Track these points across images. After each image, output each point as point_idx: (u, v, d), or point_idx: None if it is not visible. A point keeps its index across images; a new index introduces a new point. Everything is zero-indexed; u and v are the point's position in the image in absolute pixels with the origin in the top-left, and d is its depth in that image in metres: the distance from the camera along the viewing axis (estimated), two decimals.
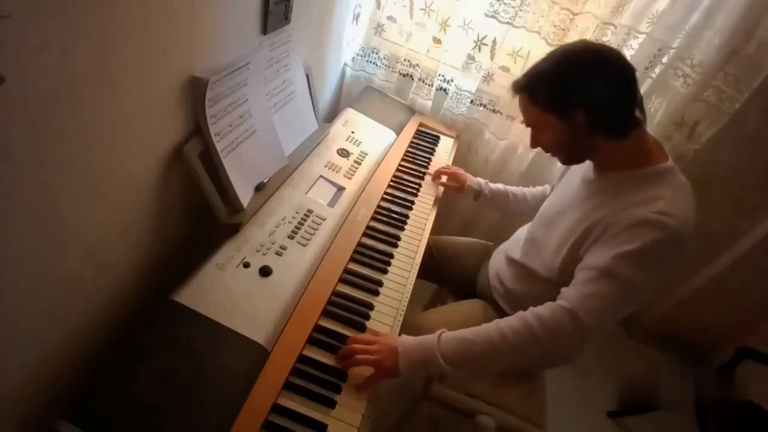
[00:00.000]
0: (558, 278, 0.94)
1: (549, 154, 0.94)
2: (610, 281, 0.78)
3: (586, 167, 0.97)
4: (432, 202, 1.30)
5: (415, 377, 0.82)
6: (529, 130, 0.94)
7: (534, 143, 0.94)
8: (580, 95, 0.82)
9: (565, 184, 1.07)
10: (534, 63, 0.88)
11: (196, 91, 0.79)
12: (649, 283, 0.79)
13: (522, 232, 1.14)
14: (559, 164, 1.15)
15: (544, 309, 0.81)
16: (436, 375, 0.81)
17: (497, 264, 1.16)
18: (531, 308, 0.82)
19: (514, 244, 1.13)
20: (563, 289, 0.83)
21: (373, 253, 1.05)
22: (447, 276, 1.34)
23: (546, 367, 1.16)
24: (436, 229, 1.25)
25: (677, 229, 0.76)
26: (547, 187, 1.28)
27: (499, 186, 1.33)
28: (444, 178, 1.37)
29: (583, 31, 1.37)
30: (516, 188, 1.32)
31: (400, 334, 0.90)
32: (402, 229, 1.16)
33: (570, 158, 0.96)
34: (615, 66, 0.82)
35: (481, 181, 1.34)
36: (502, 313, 1.09)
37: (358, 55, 1.63)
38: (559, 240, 0.94)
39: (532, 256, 1.03)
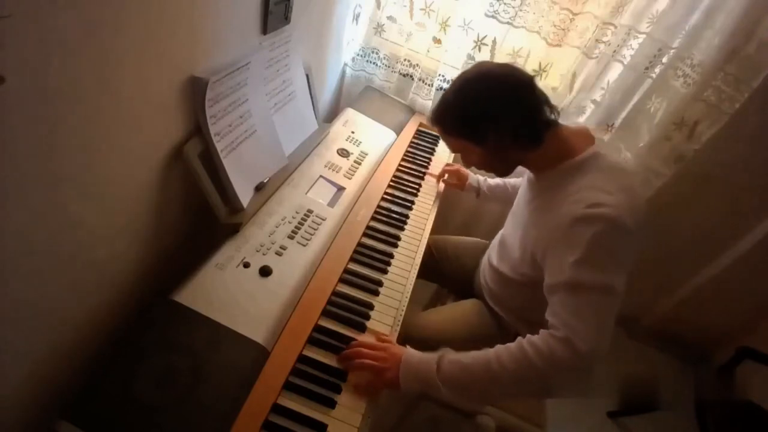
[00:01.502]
0: (531, 282, 0.93)
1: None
2: (579, 293, 0.75)
3: (525, 182, 1.01)
4: (432, 202, 1.30)
5: (413, 392, 0.81)
6: None
7: (465, 165, 1.02)
8: (483, 119, 0.86)
9: (522, 183, 1.09)
10: (442, 94, 0.93)
11: (196, 91, 0.79)
12: (615, 276, 0.76)
13: (500, 235, 1.15)
14: None
15: (540, 339, 0.76)
16: (433, 395, 0.79)
17: (484, 265, 1.18)
18: (528, 336, 0.78)
19: (492, 248, 1.15)
20: (548, 317, 0.79)
21: (373, 253, 1.05)
22: (447, 275, 1.34)
23: (561, 396, 1.09)
24: (436, 229, 1.25)
25: (613, 216, 0.75)
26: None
27: (498, 180, 1.35)
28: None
29: (583, 31, 1.37)
30: (515, 179, 1.32)
31: (401, 335, 0.90)
32: (402, 229, 1.16)
33: (501, 173, 0.99)
34: (509, 83, 0.85)
35: (480, 178, 1.36)
36: (495, 313, 1.09)
37: (358, 55, 1.63)
38: (520, 245, 0.96)
39: (505, 260, 1.04)
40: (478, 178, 1.36)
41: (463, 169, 1.37)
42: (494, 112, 0.85)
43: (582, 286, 0.75)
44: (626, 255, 0.79)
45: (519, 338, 0.80)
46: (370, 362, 0.79)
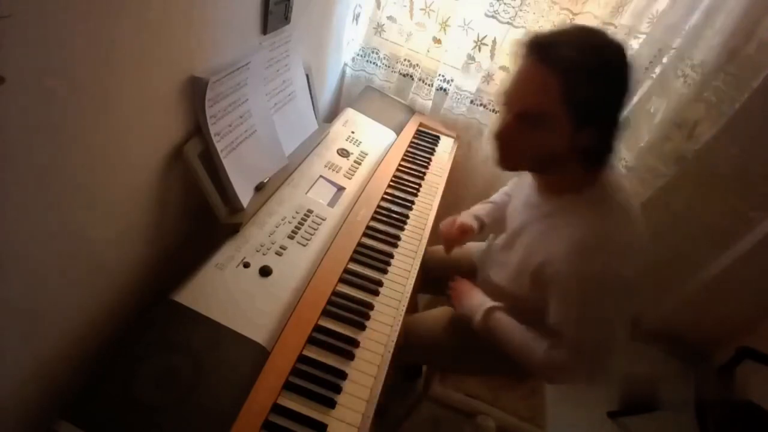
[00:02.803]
0: (526, 297, 0.91)
1: (500, 153, 0.80)
2: (583, 343, 0.81)
3: (528, 189, 0.92)
4: (432, 202, 1.30)
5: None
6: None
7: (506, 134, 0.75)
8: (607, 111, 0.70)
9: (516, 198, 1.02)
10: (556, 33, 0.70)
11: (196, 91, 0.79)
12: (612, 318, 0.80)
13: (492, 245, 1.10)
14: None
15: (557, 354, 0.84)
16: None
17: (480, 272, 1.12)
18: (548, 345, 0.86)
19: (487, 257, 1.10)
20: (558, 341, 0.84)
21: (373, 253, 1.05)
22: (437, 285, 1.24)
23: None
24: (436, 229, 1.25)
25: (609, 268, 0.75)
26: (507, 189, 1.21)
27: (485, 206, 1.21)
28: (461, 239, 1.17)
29: None
30: (495, 196, 1.23)
31: (400, 334, 0.92)
32: (402, 229, 1.16)
33: (537, 168, 0.83)
34: (628, 76, 0.70)
35: (474, 213, 1.18)
36: None
37: (358, 55, 1.63)
38: (517, 268, 0.91)
39: (501, 274, 0.98)
40: (472, 214, 1.17)
41: (459, 219, 1.16)
42: (619, 108, 0.72)
43: (586, 339, 0.81)
44: (628, 301, 0.81)
45: (545, 342, 0.87)
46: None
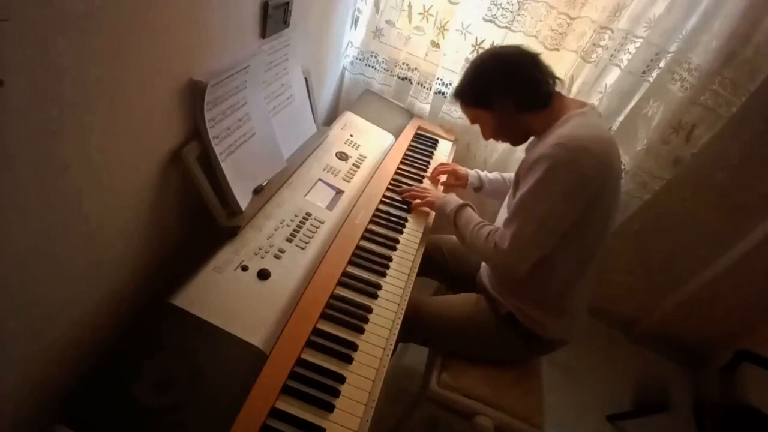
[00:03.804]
0: None
1: (500, 142, 1.14)
2: (518, 219, 0.94)
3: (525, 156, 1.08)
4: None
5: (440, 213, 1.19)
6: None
7: (484, 136, 1.14)
8: (495, 87, 1.01)
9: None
10: (460, 77, 1.08)
11: (194, 94, 0.79)
12: (551, 207, 0.91)
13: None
14: None
15: (495, 235, 0.99)
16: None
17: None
18: (493, 230, 1.02)
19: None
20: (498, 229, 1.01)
21: (371, 256, 1.05)
22: (445, 273, 1.36)
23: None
24: (435, 229, 1.26)
25: (566, 151, 0.88)
26: None
27: (495, 174, 1.38)
28: (443, 178, 1.40)
29: (581, 35, 1.37)
30: (510, 174, 1.34)
31: (407, 313, 0.99)
32: (401, 232, 1.16)
33: (514, 139, 1.11)
34: (513, 57, 1.01)
35: (480, 173, 1.39)
36: (496, 303, 1.11)
37: (356, 58, 1.63)
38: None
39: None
40: (478, 172, 1.39)
41: (460, 168, 1.39)
42: (500, 81, 1.00)
43: (519, 213, 0.94)
44: (569, 187, 0.90)
45: (490, 227, 1.04)
46: (428, 197, 1.22)
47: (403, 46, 1.55)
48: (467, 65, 1.09)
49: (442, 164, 1.43)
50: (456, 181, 1.40)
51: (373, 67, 1.63)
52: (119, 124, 0.66)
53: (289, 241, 0.95)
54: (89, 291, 0.75)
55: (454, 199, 1.16)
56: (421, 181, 1.38)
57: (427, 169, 1.43)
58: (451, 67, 1.56)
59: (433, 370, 1.12)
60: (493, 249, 0.98)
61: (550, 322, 1.06)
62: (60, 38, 0.51)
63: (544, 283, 1.03)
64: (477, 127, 1.64)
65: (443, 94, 1.63)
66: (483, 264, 1.23)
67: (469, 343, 1.14)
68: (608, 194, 0.96)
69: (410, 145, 1.50)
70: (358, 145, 1.33)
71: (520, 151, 1.59)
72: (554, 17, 1.36)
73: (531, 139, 1.10)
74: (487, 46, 1.47)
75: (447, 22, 1.46)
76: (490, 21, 1.41)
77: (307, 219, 1.01)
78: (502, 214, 1.13)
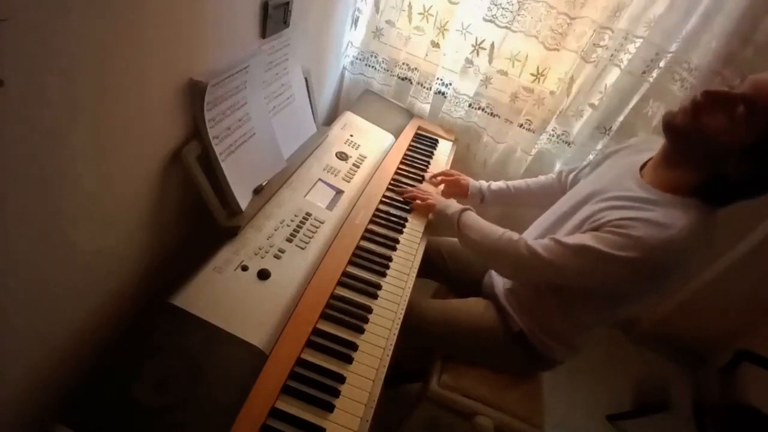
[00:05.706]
0: (560, 288, 0.99)
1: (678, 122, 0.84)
2: (574, 255, 0.88)
3: (634, 175, 0.94)
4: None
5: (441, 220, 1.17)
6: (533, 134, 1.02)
7: (698, 115, 0.81)
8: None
9: (601, 177, 1.03)
10: None
11: (194, 94, 0.79)
12: (608, 276, 0.85)
13: (537, 231, 1.12)
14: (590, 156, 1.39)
15: (535, 245, 0.94)
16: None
17: None
18: (525, 239, 0.97)
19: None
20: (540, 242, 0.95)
21: (371, 256, 1.05)
22: (443, 274, 1.35)
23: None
24: (432, 231, 1.25)
25: (664, 258, 0.79)
26: (552, 177, 1.30)
27: (500, 184, 1.34)
28: (442, 187, 1.37)
29: (581, 35, 1.37)
30: (518, 181, 1.33)
31: (405, 317, 0.97)
32: (401, 232, 1.16)
33: (691, 147, 0.84)
34: None
35: (483, 184, 1.35)
36: (507, 317, 1.10)
37: (356, 58, 1.63)
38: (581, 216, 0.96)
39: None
40: (481, 183, 1.35)
41: (463, 177, 1.36)
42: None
43: (582, 251, 0.86)
44: (642, 287, 0.86)
45: (514, 234, 1.01)
46: (429, 199, 1.21)
47: (403, 46, 1.55)
48: None
49: (445, 172, 1.39)
50: (457, 190, 1.35)
51: (373, 67, 1.63)
52: (119, 123, 0.66)
53: (289, 241, 0.95)
54: (89, 291, 0.75)
55: (455, 203, 1.15)
56: (421, 182, 1.37)
57: (428, 169, 1.43)
58: (451, 67, 1.56)
59: (434, 370, 1.12)
60: (530, 255, 0.93)
61: (561, 351, 1.06)
62: (60, 38, 0.51)
63: (564, 319, 1.02)
64: (476, 128, 1.66)
65: (443, 94, 1.63)
66: (494, 273, 1.20)
67: (471, 350, 1.13)
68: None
69: (410, 145, 1.50)
70: (358, 145, 1.33)
71: (520, 152, 1.59)
72: (554, 17, 1.36)
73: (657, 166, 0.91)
74: (487, 46, 1.47)
75: (447, 22, 1.46)
76: (490, 21, 1.41)
77: (307, 219, 1.01)
78: (550, 216, 1.09)
